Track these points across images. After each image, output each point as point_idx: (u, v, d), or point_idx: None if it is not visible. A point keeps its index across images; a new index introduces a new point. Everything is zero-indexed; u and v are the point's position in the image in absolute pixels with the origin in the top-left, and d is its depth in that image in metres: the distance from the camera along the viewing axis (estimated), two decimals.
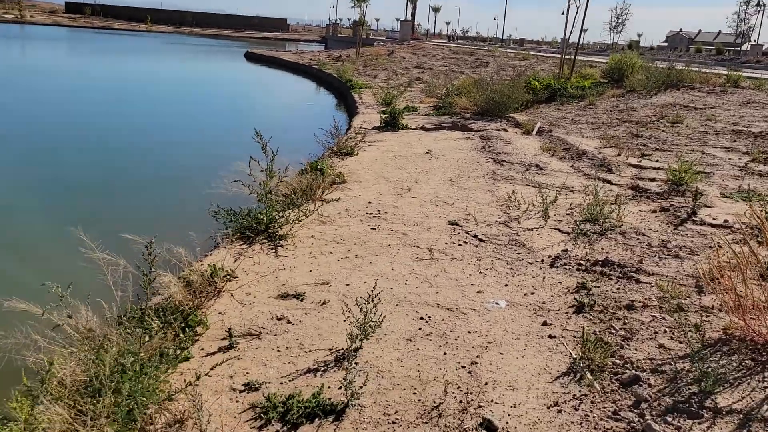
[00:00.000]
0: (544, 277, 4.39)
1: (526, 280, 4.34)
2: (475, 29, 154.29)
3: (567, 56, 17.77)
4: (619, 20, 55.70)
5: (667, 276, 4.24)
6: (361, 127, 11.67)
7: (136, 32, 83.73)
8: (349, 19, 36.82)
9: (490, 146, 9.44)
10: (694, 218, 5.54)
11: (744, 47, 75.48)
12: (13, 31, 56.27)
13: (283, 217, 5.26)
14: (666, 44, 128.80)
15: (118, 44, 51.82)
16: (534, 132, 11.14)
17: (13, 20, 78.97)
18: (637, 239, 5.06)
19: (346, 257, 4.78)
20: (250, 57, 41.24)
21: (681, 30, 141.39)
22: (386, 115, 11.63)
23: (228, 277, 4.25)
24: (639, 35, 71.84)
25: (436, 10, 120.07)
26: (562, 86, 14.10)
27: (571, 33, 16.84)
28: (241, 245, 5.06)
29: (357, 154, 8.93)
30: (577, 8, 14.97)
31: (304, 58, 35.59)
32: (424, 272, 4.47)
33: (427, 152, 9.07)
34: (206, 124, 14.80)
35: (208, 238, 4.98)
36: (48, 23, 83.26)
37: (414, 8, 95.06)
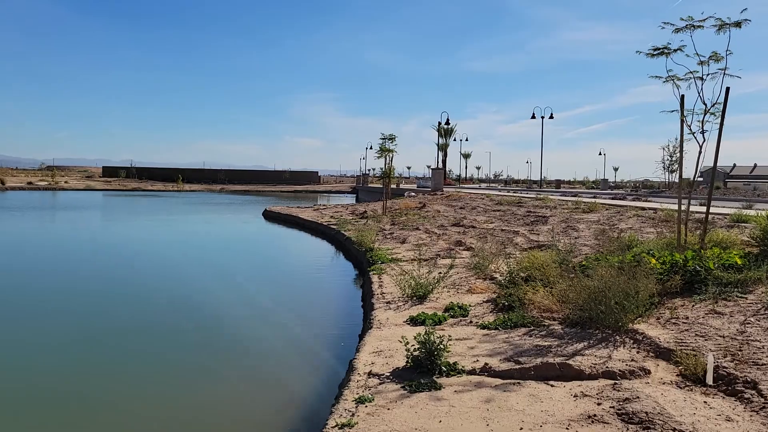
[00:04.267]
0: None
1: None
2: (507, 172, 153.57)
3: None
4: (673, 158, 51.12)
5: None
6: (370, 373, 6.28)
7: (168, 192, 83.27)
8: (381, 169, 32.86)
9: None
10: None
11: None
12: (44, 199, 54.58)
13: None
14: (701, 179, 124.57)
15: (138, 206, 49.27)
16: (709, 378, 5.64)
17: (46, 187, 79.22)
18: None
19: None
20: (269, 215, 37.50)
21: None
22: (418, 346, 6.28)
23: None
24: (671, 172, 67.54)
25: (466, 156, 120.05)
26: (701, 265, 8.70)
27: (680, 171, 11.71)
28: None
29: None
30: (701, 143, 9.94)
31: (325, 216, 31.39)
32: None
33: None
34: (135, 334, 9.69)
35: None
36: (81, 188, 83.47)
37: (445, 155, 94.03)
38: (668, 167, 53.38)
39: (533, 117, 64.24)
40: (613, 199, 29.69)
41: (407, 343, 6.40)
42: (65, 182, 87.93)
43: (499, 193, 38.94)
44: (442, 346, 6.25)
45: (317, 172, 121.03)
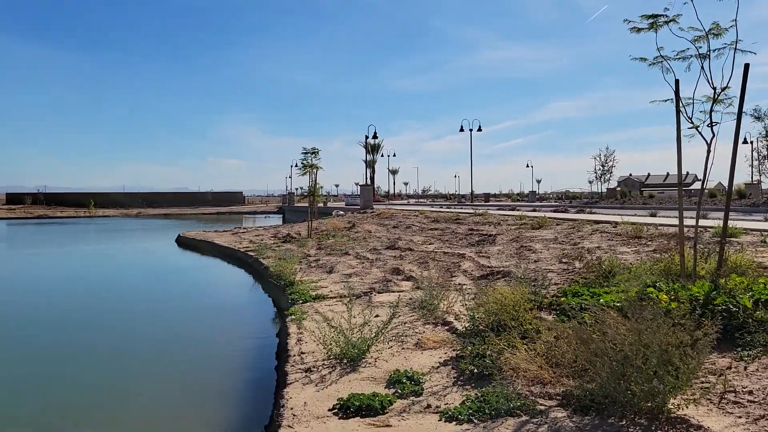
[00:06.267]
0: None
1: None
2: (434, 187, 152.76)
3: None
4: (605, 168, 50.77)
5: None
6: None
7: (78, 219, 77.00)
8: (308, 186, 29.57)
9: None
10: None
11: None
12: None
13: None
14: (619, 189, 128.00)
15: (33, 236, 44.15)
16: None
17: None
18: None
19: None
20: (182, 241, 33.77)
21: (631, 174, 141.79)
22: None
23: None
24: (590, 182, 68.25)
25: (394, 172, 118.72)
26: (735, 303, 6.37)
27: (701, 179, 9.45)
28: None
29: None
30: (708, 140, 7.70)
31: (244, 241, 28.12)
32: None
33: None
34: None
35: None
36: None
37: (373, 172, 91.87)
38: (600, 177, 53.07)
39: (461, 130, 63.17)
40: (554, 211, 27.95)
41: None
42: None
43: (433, 209, 36.78)
44: None
45: (242, 192, 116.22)
